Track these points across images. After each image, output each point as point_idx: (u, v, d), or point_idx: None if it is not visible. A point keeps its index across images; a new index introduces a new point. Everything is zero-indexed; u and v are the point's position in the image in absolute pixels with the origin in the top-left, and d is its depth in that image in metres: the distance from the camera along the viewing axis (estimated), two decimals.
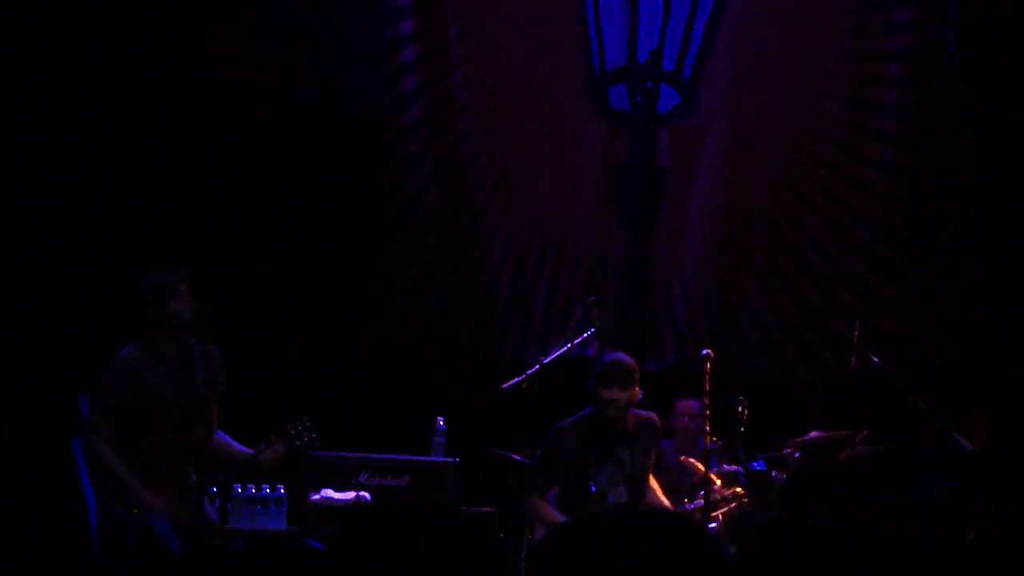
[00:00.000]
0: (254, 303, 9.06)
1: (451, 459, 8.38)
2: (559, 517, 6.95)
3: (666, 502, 7.42)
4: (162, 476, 6.37)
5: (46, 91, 8.96)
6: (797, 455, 8.29)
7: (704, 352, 7.67)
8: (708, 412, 7.49)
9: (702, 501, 7.42)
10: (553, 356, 7.74)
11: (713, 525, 7.62)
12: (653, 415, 7.36)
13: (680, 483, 8.24)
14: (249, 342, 7.12)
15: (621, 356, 7.31)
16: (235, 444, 6.62)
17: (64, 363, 8.24)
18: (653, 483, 7.36)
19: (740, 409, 7.87)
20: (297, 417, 6.54)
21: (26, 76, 8.92)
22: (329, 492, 8.13)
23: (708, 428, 7.51)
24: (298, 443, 6.50)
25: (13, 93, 8.91)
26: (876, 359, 8.34)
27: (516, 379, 7.54)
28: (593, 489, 7.03)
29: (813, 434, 8.39)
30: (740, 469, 8.10)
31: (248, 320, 8.77)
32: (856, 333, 8.38)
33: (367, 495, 8.10)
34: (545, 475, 7.21)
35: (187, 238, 8.89)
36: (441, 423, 8.58)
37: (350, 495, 8.10)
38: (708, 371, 7.50)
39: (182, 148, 9.20)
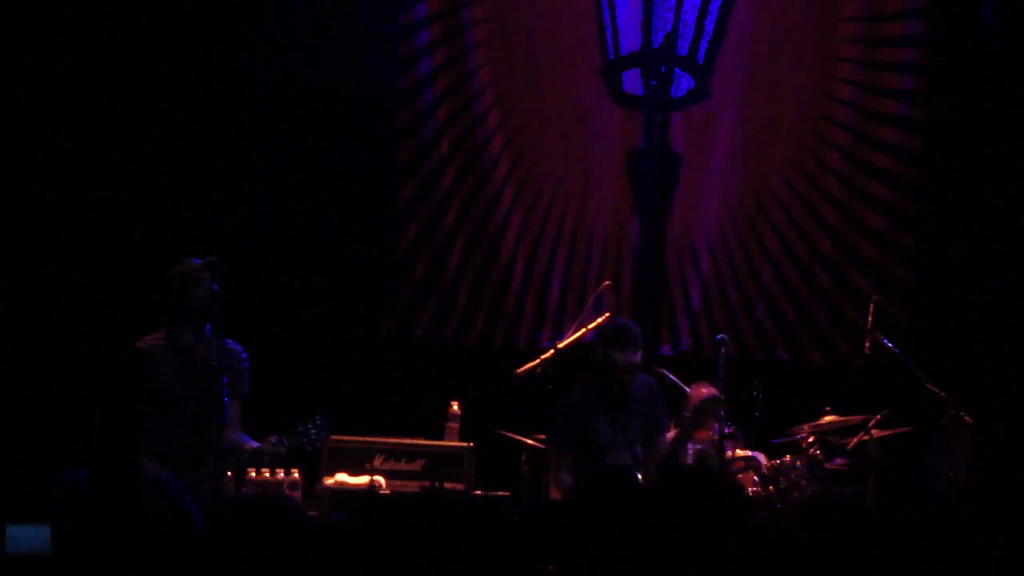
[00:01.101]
0: (268, 288, 9.07)
1: (465, 443, 8.40)
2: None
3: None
4: (175, 464, 6.39)
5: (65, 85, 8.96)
6: (811, 439, 8.30)
7: (719, 337, 7.69)
8: (723, 397, 7.50)
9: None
10: (567, 340, 7.76)
11: None
12: (651, 378, 7.49)
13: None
14: (263, 328, 7.14)
15: (628, 321, 7.43)
16: (246, 440, 6.60)
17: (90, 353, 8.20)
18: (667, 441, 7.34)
19: (755, 394, 7.87)
20: (310, 414, 6.54)
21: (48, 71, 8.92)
22: (343, 476, 8.15)
23: (723, 413, 7.52)
24: (304, 440, 6.51)
25: (44, 89, 8.90)
26: (890, 344, 8.33)
27: (530, 363, 7.56)
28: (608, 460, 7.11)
29: (827, 419, 8.39)
30: (755, 454, 8.11)
31: (262, 305, 8.78)
32: (870, 318, 8.37)
33: (381, 480, 8.12)
34: (562, 446, 7.25)
35: (200, 225, 8.88)
36: (455, 407, 8.59)
37: (364, 479, 8.12)
38: (723, 356, 7.51)
39: (193, 134, 9.19)
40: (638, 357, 7.23)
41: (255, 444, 6.51)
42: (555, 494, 7.21)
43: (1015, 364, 9.28)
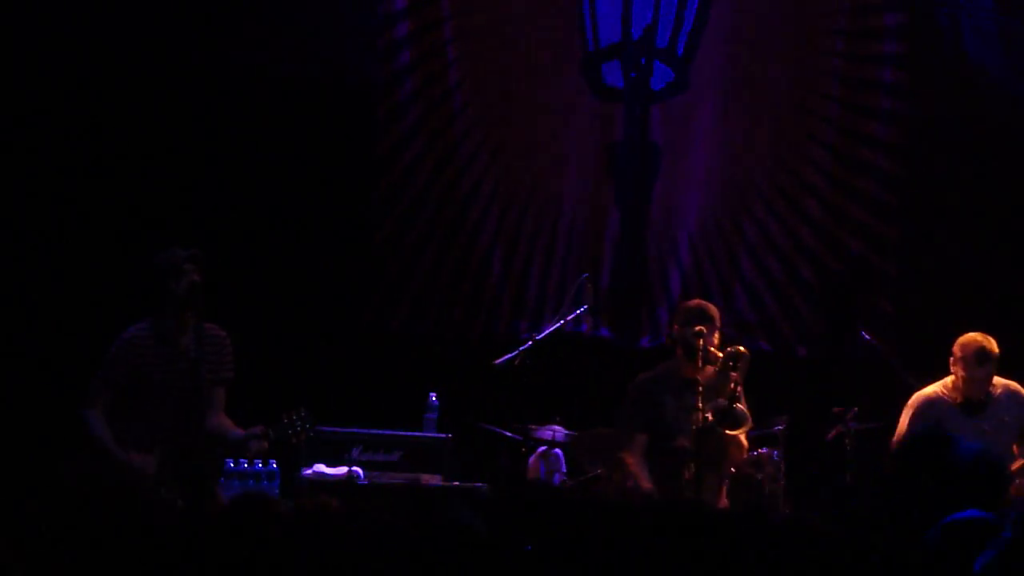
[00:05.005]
0: (247, 279, 9.06)
1: (443, 435, 8.40)
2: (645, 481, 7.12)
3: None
4: (156, 453, 6.40)
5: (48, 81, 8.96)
6: (785, 430, 8.30)
7: (698, 329, 7.65)
8: (701, 390, 7.48)
9: None
10: (546, 332, 7.77)
11: None
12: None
13: None
14: (242, 318, 7.12)
15: (704, 301, 7.57)
16: (231, 427, 6.60)
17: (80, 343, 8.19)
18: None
19: (733, 386, 7.85)
20: (294, 407, 6.54)
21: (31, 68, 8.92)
22: (322, 467, 8.14)
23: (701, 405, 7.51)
24: (290, 431, 6.51)
25: (26, 84, 8.90)
26: (868, 336, 8.33)
27: (509, 355, 7.56)
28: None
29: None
30: None
31: (241, 296, 8.76)
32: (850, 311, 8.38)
33: (360, 470, 8.12)
34: (633, 427, 7.35)
35: (180, 215, 8.88)
36: (433, 398, 8.59)
37: (342, 470, 8.12)
38: (702, 348, 7.49)
39: (173, 126, 9.18)
40: (713, 336, 7.26)
41: (239, 433, 6.51)
42: (621, 477, 7.28)
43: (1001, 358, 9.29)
